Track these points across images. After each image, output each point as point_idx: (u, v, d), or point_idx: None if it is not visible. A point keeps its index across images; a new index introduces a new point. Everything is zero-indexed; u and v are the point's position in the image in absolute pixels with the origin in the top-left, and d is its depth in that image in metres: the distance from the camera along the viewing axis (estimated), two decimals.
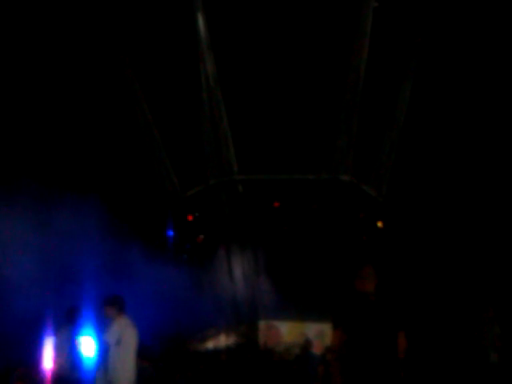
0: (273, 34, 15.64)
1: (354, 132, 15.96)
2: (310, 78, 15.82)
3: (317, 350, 13.19)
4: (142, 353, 8.45)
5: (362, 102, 15.95)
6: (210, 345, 15.37)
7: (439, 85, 15.71)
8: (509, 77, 14.90)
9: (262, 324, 15.54)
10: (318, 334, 14.63)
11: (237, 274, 15.46)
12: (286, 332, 15.68)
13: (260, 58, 15.61)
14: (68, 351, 8.35)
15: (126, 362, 7.84)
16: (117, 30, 15.35)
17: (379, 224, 16.14)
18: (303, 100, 15.81)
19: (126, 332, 7.94)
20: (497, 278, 14.28)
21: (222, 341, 15.45)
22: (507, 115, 15.35)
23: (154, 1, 15.11)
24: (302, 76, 15.79)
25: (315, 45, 15.74)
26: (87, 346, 8.29)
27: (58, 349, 8.50)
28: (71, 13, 14.55)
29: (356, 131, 15.97)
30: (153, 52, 15.34)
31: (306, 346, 13.51)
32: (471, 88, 15.63)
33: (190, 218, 15.66)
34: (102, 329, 8.20)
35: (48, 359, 8.65)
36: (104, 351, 7.96)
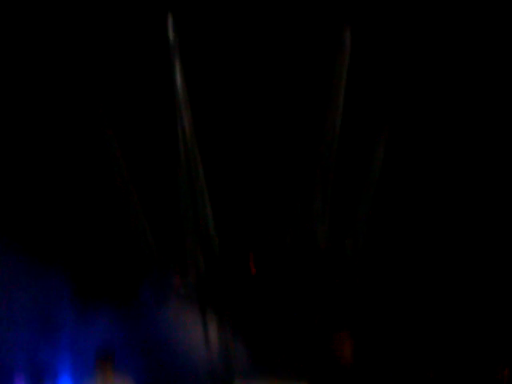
0: (251, 91, 15.82)
1: (329, 193, 16.06)
2: (287, 137, 15.99)
3: None
4: None
5: (336, 163, 16.09)
6: None
7: (413, 144, 15.95)
8: (485, 127, 15.30)
9: None
10: None
11: (210, 333, 15.24)
12: None
13: (238, 114, 15.75)
14: None
15: None
16: (93, 84, 15.35)
17: (356, 283, 16.08)
18: (280, 160, 15.93)
19: None
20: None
21: None
22: (483, 169, 15.63)
23: (131, 53, 15.22)
24: (280, 135, 15.94)
25: (290, 104, 15.95)
26: None
27: None
28: (48, 68, 14.64)
29: (332, 190, 16.07)
30: (129, 106, 15.38)
31: None
32: (446, 146, 15.90)
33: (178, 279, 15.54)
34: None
35: None
36: None
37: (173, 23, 15.89)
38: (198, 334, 14.99)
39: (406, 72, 15.95)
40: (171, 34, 15.84)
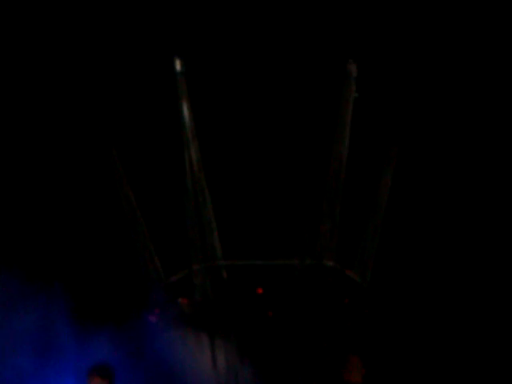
0: (256, 121, 16.06)
1: (337, 218, 16.10)
2: (293, 165, 16.13)
3: None
4: None
5: (344, 188, 16.18)
6: None
7: (420, 171, 16.01)
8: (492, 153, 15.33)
9: None
10: None
11: (219, 361, 15.16)
12: None
13: (244, 144, 15.96)
14: None
15: None
16: (102, 117, 15.71)
17: (365, 310, 15.97)
18: (287, 186, 16.03)
19: None
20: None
21: None
22: (488, 198, 15.60)
23: (139, 88, 15.56)
24: (286, 163, 16.09)
25: (298, 133, 16.13)
26: None
27: None
28: (57, 99, 15.02)
29: (339, 217, 16.12)
30: (138, 138, 15.66)
31: None
32: (452, 174, 15.93)
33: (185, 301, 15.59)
34: None
35: None
36: None
37: (180, 59, 16.32)
38: (204, 357, 14.93)
39: (412, 99, 16.15)
40: (179, 69, 16.24)
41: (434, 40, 15.68)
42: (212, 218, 15.92)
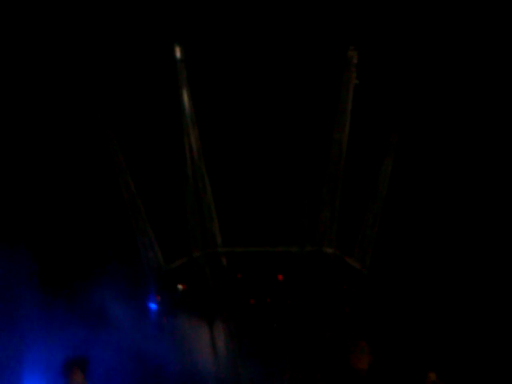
0: (256, 109, 16.05)
1: (337, 205, 16.12)
2: (293, 152, 16.13)
3: None
4: None
5: (344, 175, 16.19)
6: None
7: (420, 158, 16.00)
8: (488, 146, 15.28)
9: None
10: None
11: (219, 347, 15.22)
12: None
13: (244, 132, 15.95)
14: None
15: None
16: (101, 103, 15.72)
17: (364, 297, 16.02)
18: (287, 173, 16.05)
19: None
20: None
21: None
22: (488, 187, 15.58)
23: (139, 75, 15.55)
24: (285, 150, 16.09)
25: (298, 120, 16.12)
26: None
27: None
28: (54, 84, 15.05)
29: (339, 204, 16.13)
30: (138, 125, 15.67)
31: None
32: (452, 161, 15.91)
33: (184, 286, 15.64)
34: None
35: None
36: None
37: (180, 46, 16.30)
38: (204, 343, 14.99)
39: (412, 86, 16.11)
40: (179, 56, 16.23)
41: (435, 27, 15.62)
42: (212, 205, 15.94)
